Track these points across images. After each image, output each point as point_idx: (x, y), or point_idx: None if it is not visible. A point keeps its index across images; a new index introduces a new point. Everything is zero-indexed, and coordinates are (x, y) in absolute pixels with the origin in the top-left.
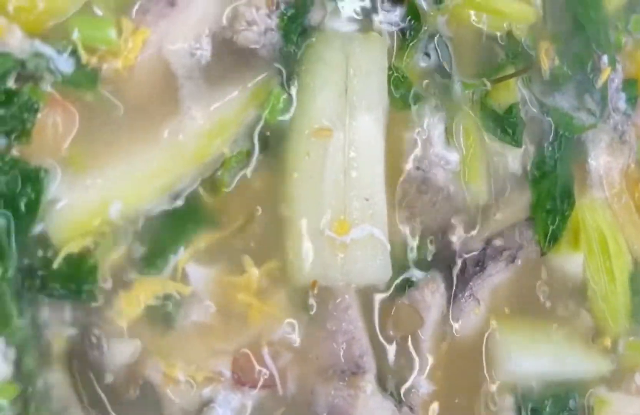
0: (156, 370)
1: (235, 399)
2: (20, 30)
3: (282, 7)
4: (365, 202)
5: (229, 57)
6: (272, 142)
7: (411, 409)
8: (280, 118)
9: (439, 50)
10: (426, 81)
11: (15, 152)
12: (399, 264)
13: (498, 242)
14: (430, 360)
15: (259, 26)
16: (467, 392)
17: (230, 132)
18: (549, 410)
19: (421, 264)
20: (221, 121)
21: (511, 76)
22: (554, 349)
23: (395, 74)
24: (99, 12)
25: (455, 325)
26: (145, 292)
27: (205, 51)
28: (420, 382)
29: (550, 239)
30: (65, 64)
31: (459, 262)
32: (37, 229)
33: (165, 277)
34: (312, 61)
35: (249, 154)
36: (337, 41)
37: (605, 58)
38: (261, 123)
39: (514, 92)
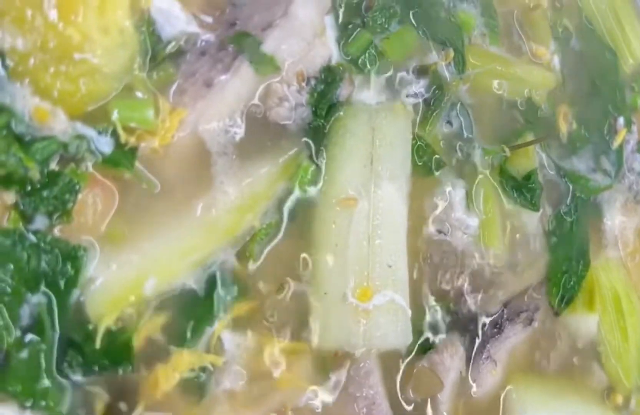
0: None
1: None
2: (64, 114)
3: (313, 83)
4: (388, 268)
5: (261, 132)
6: (300, 212)
7: None
8: (309, 190)
9: (460, 118)
10: (448, 148)
11: (56, 231)
12: (419, 328)
13: (515, 305)
14: None
15: (290, 102)
16: None
17: (261, 206)
18: None
19: (440, 328)
20: (252, 195)
21: (531, 143)
22: (569, 406)
23: (419, 143)
24: (139, 94)
25: (473, 386)
26: (181, 364)
27: (238, 128)
28: None
29: (566, 299)
30: (105, 145)
31: (478, 325)
32: (76, 305)
33: (200, 348)
34: (339, 134)
35: (277, 225)
36: (364, 114)
37: (621, 120)
38: (291, 196)
39: (532, 158)
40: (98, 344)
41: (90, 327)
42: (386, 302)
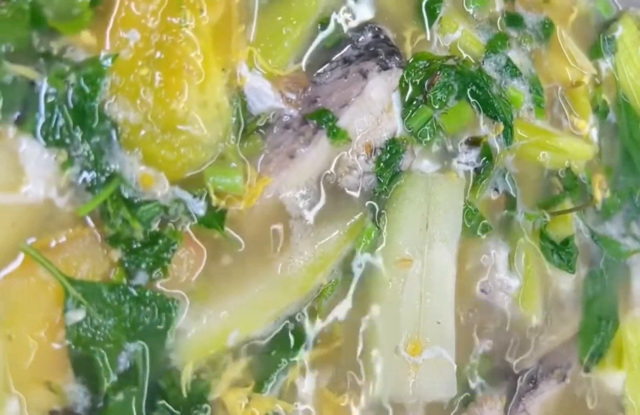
0: None
1: None
2: (166, 179)
3: (379, 153)
4: (437, 325)
5: (332, 198)
6: (359, 272)
7: None
8: (370, 250)
9: (507, 185)
10: (493, 213)
11: (153, 285)
12: (462, 381)
13: (550, 361)
14: None
15: (359, 170)
16: None
17: (329, 266)
18: None
19: (481, 382)
20: (323, 256)
21: (570, 210)
22: None
23: (468, 207)
24: (231, 163)
25: None
26: (259, 408)
27: (313, 194)
28: None
29: (596, 357)
30: (199, 207)
31: (515, 380)
32: (164, 354)
33: (275, 394)
34: (399, 200)
35: (341, 282)
36: (421, 182)
37: None
38: (355, 256)
39: (570, 224)
40: (184, 391)
41: (176, 374)
42: (434, 357)
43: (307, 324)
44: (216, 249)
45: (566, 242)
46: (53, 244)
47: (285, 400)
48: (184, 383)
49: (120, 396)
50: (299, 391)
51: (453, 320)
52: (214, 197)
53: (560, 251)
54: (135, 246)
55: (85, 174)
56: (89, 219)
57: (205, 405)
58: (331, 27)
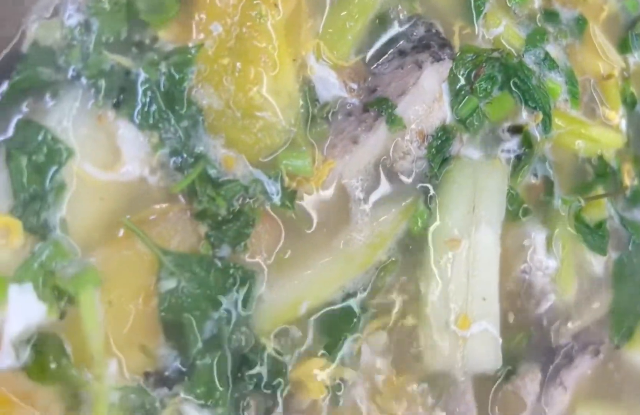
0: None
1: None
2: (246, 160)
3: (430, 140)
4: (483, 301)
5: (388, 181)
6: (413, 250)
7: None
8: (422, 230)
9: (547, 171)
10: (533, 197)
11: (235, 258)
12: (505, 355)
13: (584, 337)
14: None
15: (412, 155)
16: None
17: (387, 243)
18: None
19: (522, 356)
20: (381, 234)
21: (603, 196)
22: None
23: (511, 192)
24: (302, 148)
25: (547, 409)
26: (328, 379)
27: (371, 178)
28: None
29: (626, 335)
30: (273, 188)
31: (552, 355)
32: (245, 321)
33: (339, 362)
34: (449, 184)
35: (398, 261)
36: (469, 167)
37: None
38: (409, 235)
39: (603, 209)
40: (264, 358)
41: (257, 340)
42: (481, 331)
43: (368, 298)
44: (289, 226)
45: (599, 225)
46: (148, 218)
47: (350, 369)
48: (265, 349)
49: (206, 360)
50: (362, 361)
51: (497, 298)
52: (286, 178)
53: (594, 234)
54: (219, 221)
55: (174, 155)
56: (180, 196)
57: (282, 373)
58: (388, 21)
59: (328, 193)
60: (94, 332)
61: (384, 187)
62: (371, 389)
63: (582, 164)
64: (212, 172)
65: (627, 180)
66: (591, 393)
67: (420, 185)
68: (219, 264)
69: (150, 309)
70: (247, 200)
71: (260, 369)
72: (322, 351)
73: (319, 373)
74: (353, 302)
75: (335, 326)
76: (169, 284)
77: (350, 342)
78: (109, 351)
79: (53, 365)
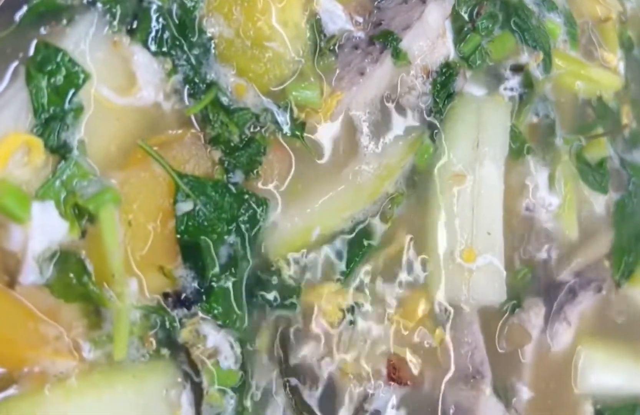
0: (335, 365)
1: (388, 391)
2: (256, 89)
3: (434, 75)
4: (487, 235)
5: (394, 115)
6: (419, 184)
7: (516, 411)
8: (428, 164)
9: (548, 110)
10: (535, 136)
11: (249, 184)
12: (510, 290)
13: (586, 275)
14: (531, 372)
15: (417, 90)
16: (556, 400)
17: (394, 175)
18: None
19: (527, 290)
20: (388, 167)
21: (603, 135)
22: (627, 368)
23: (513, 130)
24: (310, 79)
25: (551, 343)
26: (342, 303)
27: (377, 112)
28: (522, 389)
29: (626, 273)
30: (283, 118)
31: (555, 291)
32: (260, 247)
33: (352, 288)
34: (453, 120)
35: (405, 193)
36: (472, 104)
37: None
38: (415, 169)
39: (604, 148)
40: (278, 282)
41: (271, 266)
42: (486, 264)
43: (377, 227)
44: (299, 156)
45: (600, 163)
46: (164, 142)
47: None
48: (280, 273)
49: (222, 283)
50: (373, 288)
51: (501, 232)
52: (295, 109)
53: (595, 173)
54: (232, 147)
55: (187, 83)
56: (193, 121)
57: (296, 296)
58: None
59: (336, 125)
60: (114, 250)
61: (391, 120)
62: (383, 314)
63: (582, 105)
64: (224, 99)
65: (626, 123)
66: (594, 329)
67: (425, 118)
68: (233, 189)
69: (168, 231)
70: (259, 128)
71: (275, 292)
72: (336, 277)
73: (333, 297)
74: (363, 231)
75: (346, 254)
76: (185, 206)
77: (362, 269)
78: (129, 270)
79: (75, 282)
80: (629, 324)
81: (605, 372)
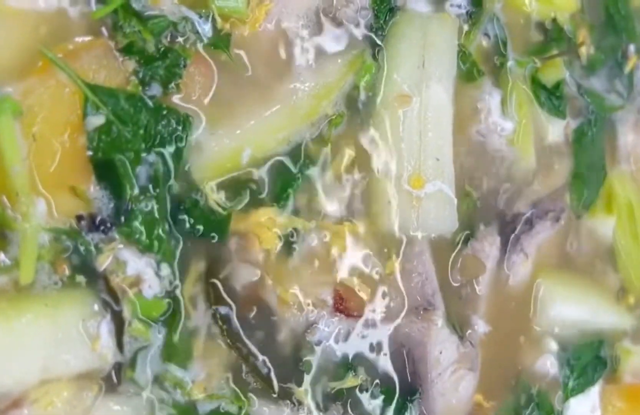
0: (273, 294)
1: (333, 323)
2: None
3: None
4: (436, 161)
5: (331, 31)
6: (361, 106)
7: (471, 344)
8: (370, 85)
9: (497, 32)
10: (486, 58)
11: (168, 100)
12: (463, 220)
13: (544, 205)
14: (487, 303)
15: (356, 4)
16: (515, 334)
17: (332, 95)
18: (583, 358)
19: (480, 220)
20: (325, 86)
21: (555, 56)
22: (588, 303)
23: (462, 51)
24: None
25: (508, 275)
26: (279, 229)
27: (313, 25)
28: (478, 322)
29: (586, 204)
30: (205, 28)
31: (511, 220)
32: (183, 169)
33: (291, 212)
34: (396, 37)
35: (345, 115)
36: (417, 20)
37: (632, 47)
38: (356, 89)
39: (560, 70)
40: (205, 207)
41: (196, 190)
42: (435, 191)
43: (316, 149)
44: (226, 71)
45: (557, 86)
46: (69, 49)
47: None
48: (206, 198)
49: (142, 206)
50: (314, 211)
51: (451, 158)
52: (218, 19)
53: (551, 95)
54: (148, 57)
55: None
56: (103, 29)
57: (226, 222)
58: None
59: (267, 38)
60: (17, 166)
61: (328, 35)
62: (327, 240)
63: (536, 27)
64: (136, 5)
65: (583, 48)
66: (554, 262)
67: (366, 35)
68: (150, 103)
69: (79, 148)
70: (177, 38)
71: (203, 219)
72: (272, 202)
73: (269, 223)
74: (300, 154)
75: (282, 177)
76: (96, 120)
77: (300, 193)
78: (35, 190)
79: None
80: (591, 257)
81: (566, 306)
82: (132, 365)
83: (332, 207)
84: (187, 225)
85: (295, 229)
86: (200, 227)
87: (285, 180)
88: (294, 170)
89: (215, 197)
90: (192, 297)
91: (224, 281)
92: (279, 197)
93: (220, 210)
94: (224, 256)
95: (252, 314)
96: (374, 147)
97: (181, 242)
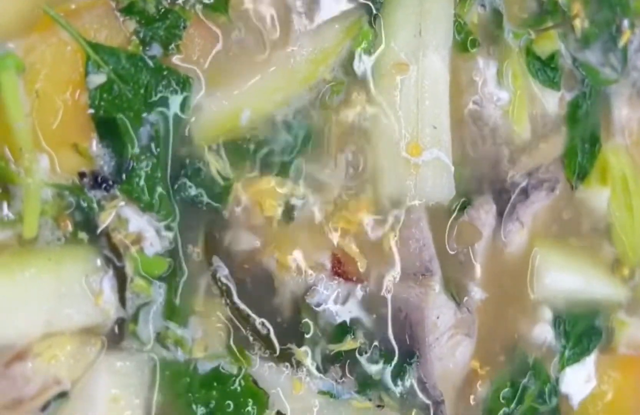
0: (272, 258)
1: (332, 286)
2: None
3: None
4: (434, 129)
5: None
6: (359, 73)
7: (468, 310)
8: (368, 51)
9: (497, 2)
10: (482, 29)
11: (169, 61)
12: (459, 188)
13: (540, 174)
14: (484, 271)
15: None
16: (512, 302)
17: (330, 61)
18: (578, 327)
19: (477, 188)
20: (323, 51)
21: (550, 28)
22: (584, 273)
23: (458, 20)
24: None
25: (504, 243)
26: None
27: None
28: (475, 289)
29: (580, 175)
30: None
31: (507, 189)
32: (184, 129)
33: (292, 180)
34: (393, 5)
35: (344, 82)
36: None
37: (626, 22)
38: (354, 56)
39: (555, 42)
40: (205, 168)
41: (197, 151)
42: (433, 159)
43: (316, 117)
44: (225, 33)
45: (551, 57)
46: (71, 9)
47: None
48: (207, 160)
49: (143, 164)
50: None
51: (448, 126)
52: None
53: (546, 67)
54: (148, 18)
55: None
56: None
57: (226, 185)
58: None
59: (265, 3)
60: (21, 122)
61: (326, 1)
62: (326, 206)
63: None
64: None
65: (578, 21)
66: (550, 232)
67: (363, 3)
68: (151, 63)
69: (81, 106)
70: (177, 0)
71: (203, 181)
72: (272, 167)
73: (271, 189)
74: (300, 118)
75: (283, 142)
76: (98, 78)
77: (301, 159)
78: (38, 146)
79: None
80: (587, 227)
81: (562, 274)
82: (135, 320)
83: (331, 175)
84: (188, 187)
85: (295, 196)
86: (201, 190)
87: (287, 146)
88: (294, 138)
89: (216, 159)
90: (192, 257)
91: (224, 244)
92: (280, 166)
93: (221, 172)
94: (225, 220)
95: (251, 276)
96: (372, 115)
97: (182, 205)
